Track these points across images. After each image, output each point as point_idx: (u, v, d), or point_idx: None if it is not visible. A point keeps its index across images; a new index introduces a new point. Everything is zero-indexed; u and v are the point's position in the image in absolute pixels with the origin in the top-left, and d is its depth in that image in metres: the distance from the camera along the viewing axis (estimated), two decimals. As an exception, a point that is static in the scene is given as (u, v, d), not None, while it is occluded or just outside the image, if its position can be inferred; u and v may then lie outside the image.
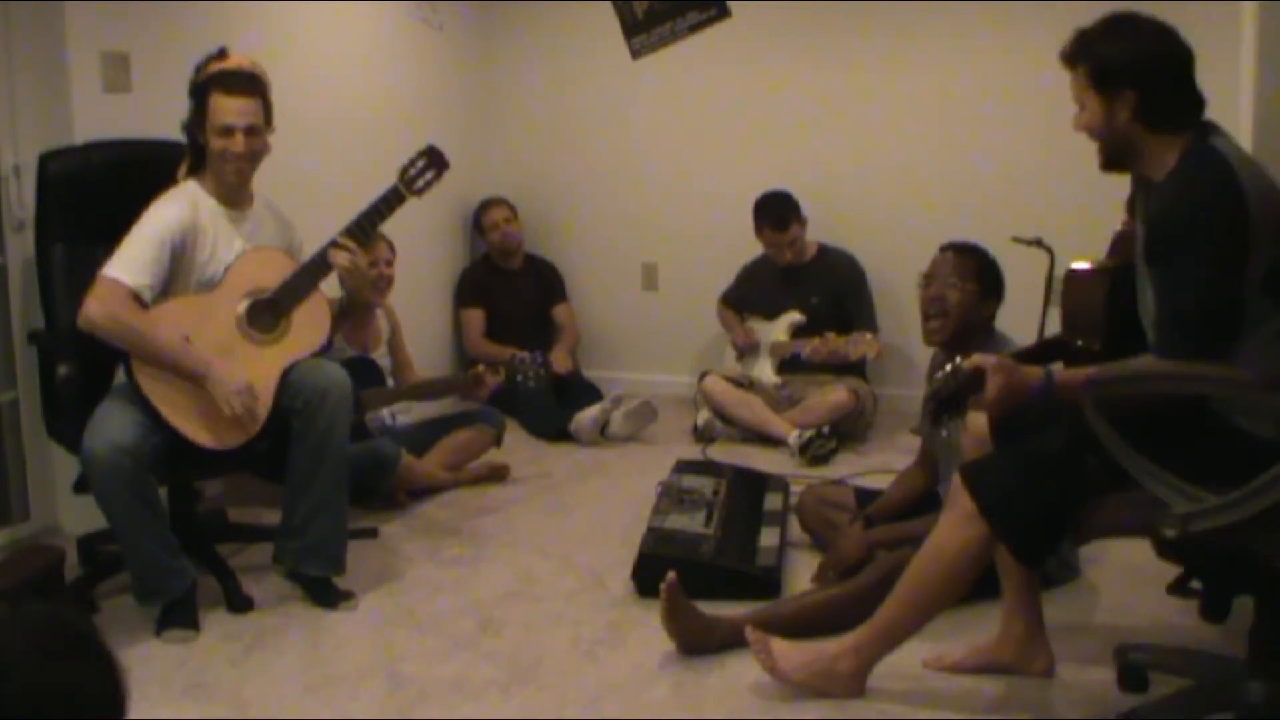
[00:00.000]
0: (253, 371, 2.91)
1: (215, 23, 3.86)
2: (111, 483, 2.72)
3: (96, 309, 2.79)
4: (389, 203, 3.08)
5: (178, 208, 2.92)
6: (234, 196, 3.03)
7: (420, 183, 3.12)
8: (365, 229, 3.07)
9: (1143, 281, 2.22)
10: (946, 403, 2.24)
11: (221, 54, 3.00)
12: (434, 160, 3.13)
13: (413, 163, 3.13)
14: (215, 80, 2.95)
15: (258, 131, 2.98)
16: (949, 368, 2.25)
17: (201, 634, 2.84)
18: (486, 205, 5.40)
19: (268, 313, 2.96)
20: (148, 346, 2.83)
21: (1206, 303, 2.05)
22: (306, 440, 2.94)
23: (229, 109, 2.94)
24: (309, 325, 3.02)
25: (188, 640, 2.80)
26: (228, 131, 2.93)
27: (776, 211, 4.83)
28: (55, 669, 1.13)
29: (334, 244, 3.03)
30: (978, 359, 2.23)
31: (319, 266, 3.02)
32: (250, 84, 2.98)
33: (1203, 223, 2.06)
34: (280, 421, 2.94)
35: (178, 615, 2.84)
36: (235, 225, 3.02)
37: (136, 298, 2.83)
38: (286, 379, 2.95)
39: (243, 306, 2.96)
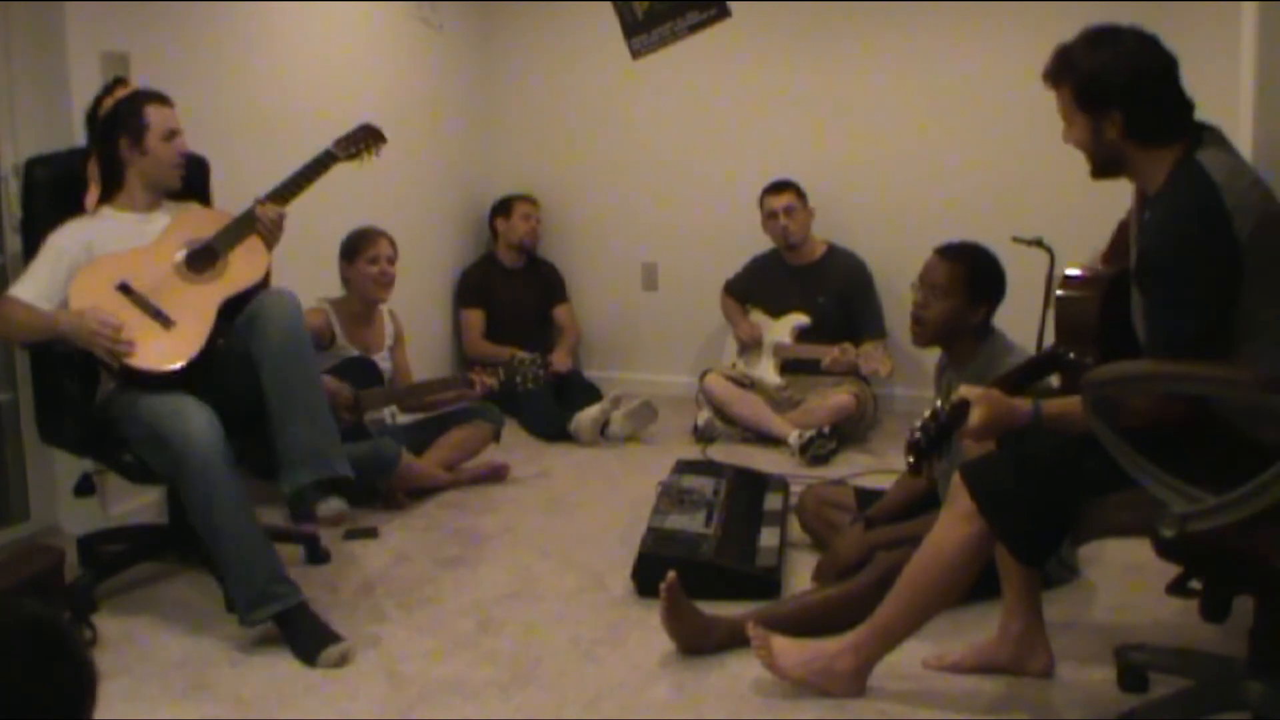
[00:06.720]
0: (194, 305, 2.93)
1: (215, 23, 3.87)
2: (216, 468, 2.63)
3: None
4: (321, 164, 3.15)
5: (73, 225, 2.99)
6: (151, 201, 3.09)
7: (354, 148, 3.22)
8: (292, 190, 3.12)
9: (1136, 294, 2.21)
10: (929, 448, 2.22)
11: (123, 82, 3.11)
12: (370, 133, 3.26)
13: (350, 134, 3.24)
14: (143, 96, 3.05)
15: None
16: (927, 414, 2.24)
17: (201, 634, 2.84)
18: (515, 199, 5.39)
19: (205, 258, 3.00)
20: (24, 329, 2.88)
21: (1189, 332, 2.04)
22: (268, 360, 2.83)
23: (170, 115, 3.06)
24: (246, 262, 3.04)
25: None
26: (173, 135, 3.05)
27: (776, 180, 4.91)
28: (25, 668, 1.12)
29: (260, 202, 3.06)
30: (963, 391, 2.23)
31: (253, 217, 3.07)
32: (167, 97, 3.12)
33: (1185, 255, 2.05)
34: (249, 376, 2.85)
35: (309, 628, 2.70)
36: (149, 225, 3.05)
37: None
38: (234, 322, 2.93)
39: (181, 255, 3.00)
